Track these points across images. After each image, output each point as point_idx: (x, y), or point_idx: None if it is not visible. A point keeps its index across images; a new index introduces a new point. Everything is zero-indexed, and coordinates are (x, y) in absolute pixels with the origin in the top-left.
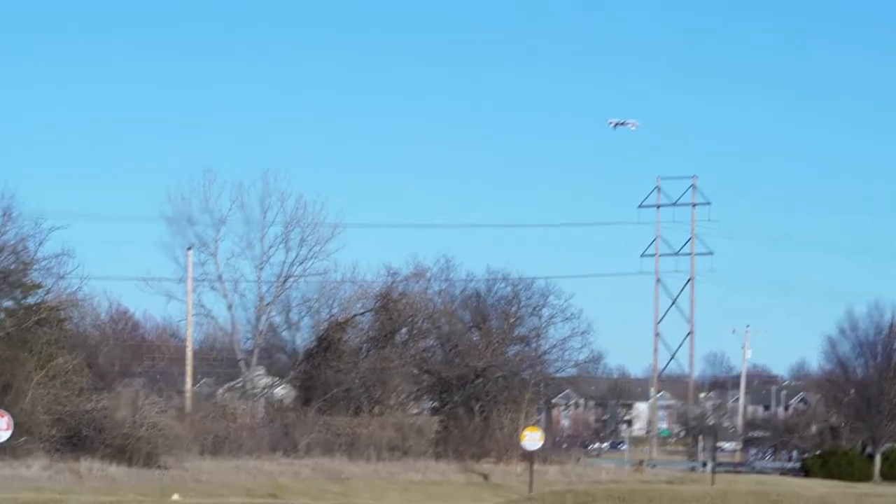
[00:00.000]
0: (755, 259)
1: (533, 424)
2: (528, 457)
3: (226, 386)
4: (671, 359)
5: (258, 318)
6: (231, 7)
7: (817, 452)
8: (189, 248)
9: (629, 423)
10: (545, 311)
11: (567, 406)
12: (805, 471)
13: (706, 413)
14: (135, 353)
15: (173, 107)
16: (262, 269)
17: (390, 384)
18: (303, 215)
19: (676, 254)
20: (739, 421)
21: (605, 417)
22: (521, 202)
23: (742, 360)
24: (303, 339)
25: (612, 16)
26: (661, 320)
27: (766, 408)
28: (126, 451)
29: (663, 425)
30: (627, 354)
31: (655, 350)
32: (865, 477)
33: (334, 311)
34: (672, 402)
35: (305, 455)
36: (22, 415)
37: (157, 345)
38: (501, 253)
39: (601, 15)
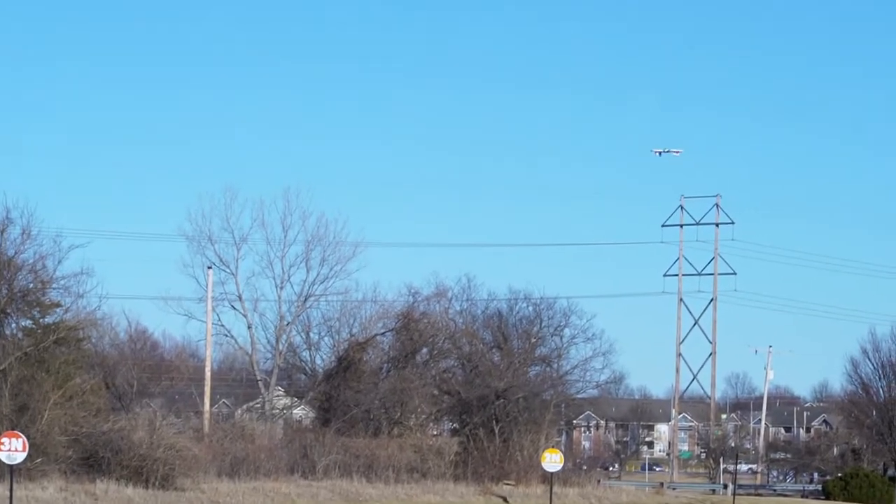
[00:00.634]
0: (778, 279)
1: (553, 446)
2: (548, 479)
3: (244, 406)
4: (693, 380)
5: (278, 338)
6: (251, 24)
7: (839, 475)
8: (209, 267)
9: (650, 444)
10: (567, 332)
11: (588, 427)
12: (826, 493)
13: (727, 435)
14: (153, 373)
15: (194, 124)
16: (282, 288)
17: (410, 405)
18: (324, 234)
19: (699, 273)
20: (761, 443)
21: (626, 439)
22: (543, 222)
23: (764, 381)
24: (322, 359)
25: (636, 37)
26: (683, 341)
27: (788, 429)
28: (143, 472)
29: (684, 447)
30: (649, 375)
31: (677, 371)
32: (887, 500)
33: (355, 331)
34: (693, 423)
35: (324, 477)
36: (38, 436)
37: (175, 365)
38: (523, 273)
39: (625, 35)
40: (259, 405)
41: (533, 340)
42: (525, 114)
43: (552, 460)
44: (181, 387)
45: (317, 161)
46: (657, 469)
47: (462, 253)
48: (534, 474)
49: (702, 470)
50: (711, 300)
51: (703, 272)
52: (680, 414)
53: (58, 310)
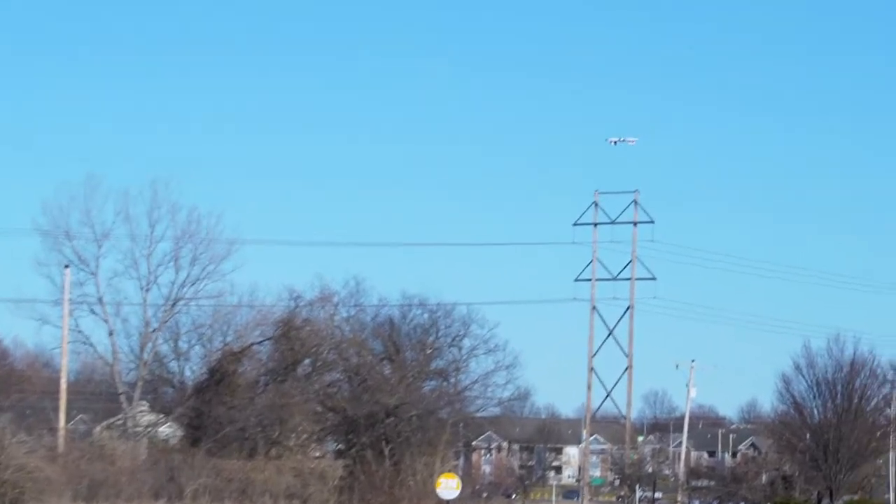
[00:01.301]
0: (703, 285)
1: (450, 470)
2: None
3: (104, 423)
4: (606, 397)
5: (143, 347)
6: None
7: None
8: (66, 266)
9: (558, 469)
10: (466, 342)
11: (489, 450)
12: None
13: (644, 459)
14: (1, 384)
15: (53, 108)
16: (148, 290)
17: (290, 423)
18: (195, 230)
19: (615, 278)
20: (681, 468)
21: (531, 463)
22: (441, 218)
23: (686, 399)
24: (192, 370)
25: (541, 30)
26: (595, 353)
27: (712, 454)
28: None
29: (596, 472)
30: (558, 392)
31: (589, 387)
32: None
33: (229, 339)
34: (606, 446)
35: (192, 503)
36: None
37: (27, 375)
38: (418, 276)
39: (529, 31)
40: (121, 421)
41: (428, 352)
42: (418, 99)
43: (448, 486)
44: (33, 400)
45: (189, 150)
46: (568, 499)
47: (349, 253)
48: (428, 501)
49: (614, 499)
50: (628, 308)
51: (619, 277)
52: (592, 435)
53: None
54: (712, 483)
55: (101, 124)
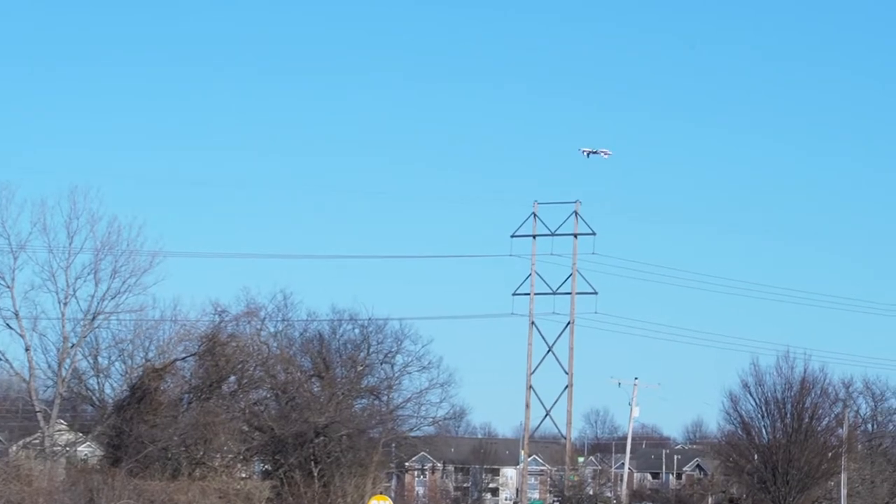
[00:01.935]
0: (646, 300)
1: (382, 492)
2: None
3: (21, 442)
4: (545, 416)
5: (60, 363)
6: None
7: None
8: None
9: (495, 491)
10: (399, 359)
11: (422, 471)
12: None
13: (585, 481)
14: None
15: None
16: (66, 304)
17: (215, 442)
18: (116, 241)
19: (554, 292)
20: (624, 490)
21: (466, 485)
22: (372, 230)
23: (629, 418)
24: (113, 387)
25: (478, 37)
26: (534, 371)
27: (656, 475)
28: None
29: (535, 495)
30: (494, 411)
31: (527, 406)
32: None
33: (151, 354)
34: (546, 467)
35: None
36: None
37: None
38: (349, 289)
39: (463, 38)
40: (38, 441)
41: (359, 368)
42: (348, 107)
43: None
44: None
45: (108, 159)
46: None
47: (277, 265)
48: None
49: None
50: (568, 324)
51: (559, 291)
52: (530, 456)
53: None
54: None
55: (16, 132)
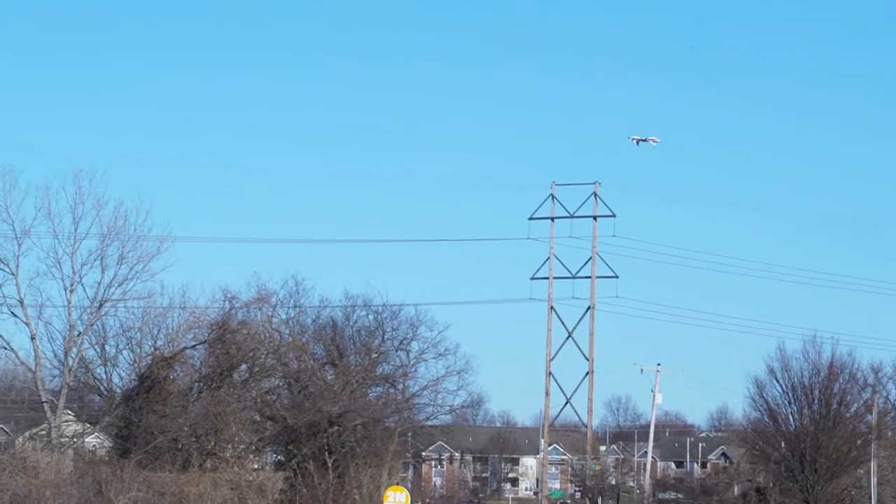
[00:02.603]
0: (668, 283)
1: (398, 483)
2: None
3: (27, 433)
4: (566, 404)
5: (67, 352)
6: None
7: None
8: None
9: (514, 481)
10: (414, 346)
11: (440, 460)
12: None
13: (607, 470)
14: None
15: None
16: (72, 291)
17: (226, 433)
18: (123, 227)
19: (574, 276)
20: (647, 480)
21: (485, 475)
22: (387, 213)
23: (651, 406)
24: (121, 377)
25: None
26: (554, 357)
27: (680, 464)
28: None
29: (555, 485)
30: (513, 399)
31: (547, 393)
32: None
33: (159, 343)
34: (566, 456)
35: None
36: None
37: None
38: (362, 274)
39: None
40: (44, 432)
41: (374, 356)
42: (361, 88)
43: (396, 500)
44: None
45: (115, 143)
46: None
47: (288, 250)
48: None
49: None
50: (588, 308)
51: (579, 274)
52: (550, 445)
53: None
54: (680, 495)
55: (20, 116)
